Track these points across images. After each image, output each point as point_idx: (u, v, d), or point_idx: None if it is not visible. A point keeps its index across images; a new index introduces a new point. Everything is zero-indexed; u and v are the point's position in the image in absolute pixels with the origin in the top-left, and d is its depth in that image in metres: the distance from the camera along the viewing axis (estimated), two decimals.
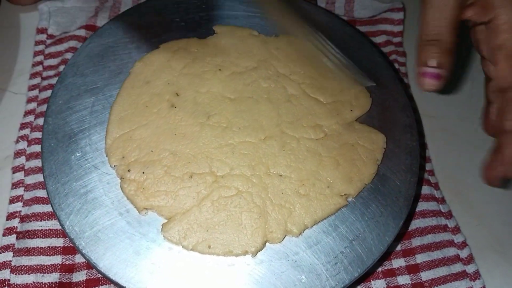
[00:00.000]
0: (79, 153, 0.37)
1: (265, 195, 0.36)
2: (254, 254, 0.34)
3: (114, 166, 0.37)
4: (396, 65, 0.51)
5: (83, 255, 0.34)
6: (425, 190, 0.44)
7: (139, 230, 0.34)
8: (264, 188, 0.36)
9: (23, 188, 0.41)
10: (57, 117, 0.38)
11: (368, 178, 0.38)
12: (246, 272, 0.34)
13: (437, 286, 0.40)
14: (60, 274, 0.37)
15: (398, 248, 0.41)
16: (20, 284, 0.37)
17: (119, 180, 0.36)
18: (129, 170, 0.36)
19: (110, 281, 0.33)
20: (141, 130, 0.38)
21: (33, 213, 0.39)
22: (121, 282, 0.33)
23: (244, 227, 0.34)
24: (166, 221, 0.35)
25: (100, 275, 0.37)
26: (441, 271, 0.40)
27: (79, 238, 0.34)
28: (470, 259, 0.41)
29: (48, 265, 0.37)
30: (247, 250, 0.34)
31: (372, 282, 0.40)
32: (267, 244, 0.35)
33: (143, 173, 0.36)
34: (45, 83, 0.46)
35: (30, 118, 0.44)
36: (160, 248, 0.34)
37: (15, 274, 0.37)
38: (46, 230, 0.39)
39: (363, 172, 0.38)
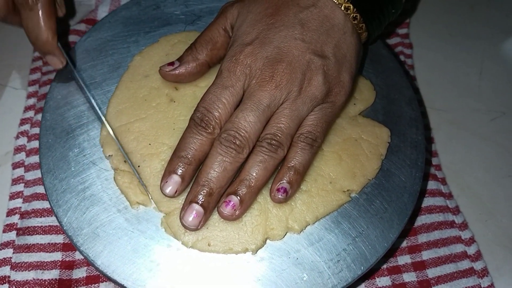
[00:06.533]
0: (77, 149, 0.36)
1: (266, 191, 0.35)
2: (255, 251, 0.33)
3: (109, 156, 0.36)
4: (402, 57, 0.50)
5: (81, 252, 0.33)
6: (432, 185, 0.43)
7: (138, 227, 0.34)
8: None
9: (23, 184, 0.41)
10: (55, 113, 0.38)
11: (371, 173, 0.37)
12: (247, 270, 0.33)
13: (443, 283, 0.39)
14: (60, 271, 0.37)
15: (404, 244, 0.40)
16: (20, 280, 0.36)
17: None
18: (125, 161, 0.35)
19: (108, 278, 0.33)
20: (140, 123, 0.37)
21: (33, 209, 0.39)
22: (119, 280, 0.32)
23: (244, 224, 0.34)
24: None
25: None
26: (448, 268, 0.39)
27: (77, 235, 0.33)
28: (478, 256, 0.40)
29: (48, 262, 0.37)
30: (247, 247, 0.33)
31: (377, 279, 0.39)
32: (267, 241, 0.34)
33: (139, 166, 0.35)
34: (45, 78, 0.46)
35: (30, 113, 0.44)
36: (159, 246, 0.33)
37: (15, 270, 0.37)
38: (46, 226, 0.38)
39: (366, 167, 0.37)
